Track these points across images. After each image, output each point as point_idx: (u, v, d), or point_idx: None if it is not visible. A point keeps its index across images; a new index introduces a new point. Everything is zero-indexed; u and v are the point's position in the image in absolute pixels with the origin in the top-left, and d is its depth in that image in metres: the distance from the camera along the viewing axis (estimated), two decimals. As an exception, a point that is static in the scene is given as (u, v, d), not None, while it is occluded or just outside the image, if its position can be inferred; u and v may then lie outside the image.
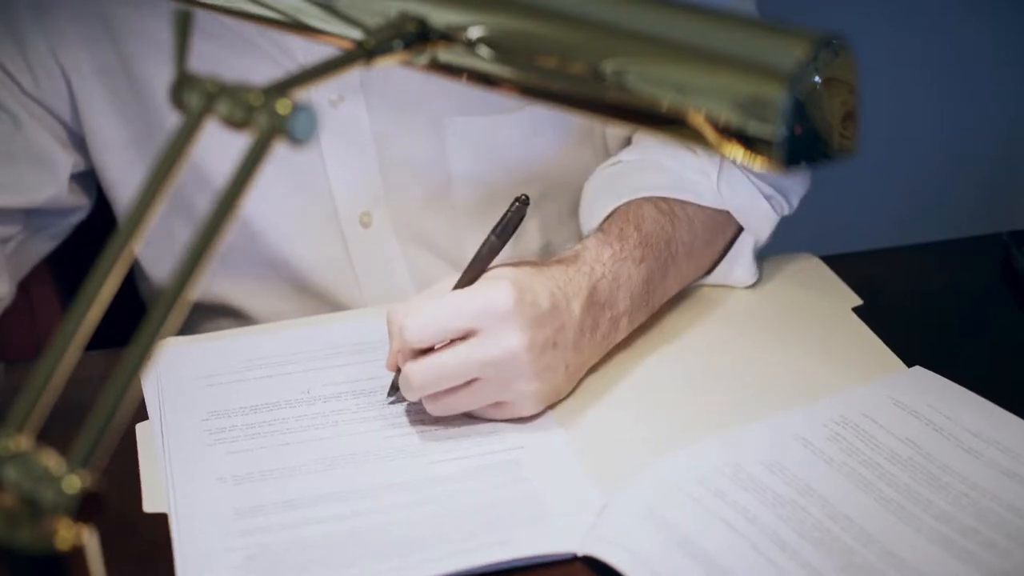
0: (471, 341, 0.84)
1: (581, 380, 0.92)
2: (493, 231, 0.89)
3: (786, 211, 1.04)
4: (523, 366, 0.85)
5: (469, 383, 0.85)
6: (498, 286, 0.86)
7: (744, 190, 1.01)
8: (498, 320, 0.84)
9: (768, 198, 1.01)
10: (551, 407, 0.89)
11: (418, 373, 0.85)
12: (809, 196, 1.07)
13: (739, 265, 1.03)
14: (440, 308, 0.85)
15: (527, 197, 0.89)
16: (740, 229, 1.03)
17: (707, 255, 1.03)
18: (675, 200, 0.99)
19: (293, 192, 1.08)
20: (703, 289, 1.03)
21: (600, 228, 0.97)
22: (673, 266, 0.97)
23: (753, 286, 1.04)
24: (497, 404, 0.87)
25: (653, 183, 1.00)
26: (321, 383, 0.93)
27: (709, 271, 1.04)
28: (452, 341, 0.85)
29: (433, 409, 0.87)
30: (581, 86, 0.55)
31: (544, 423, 0.88)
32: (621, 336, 0.95)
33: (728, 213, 1.01)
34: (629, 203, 0.98)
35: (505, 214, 0.89)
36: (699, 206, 1.00)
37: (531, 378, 0.86)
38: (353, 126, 1.06)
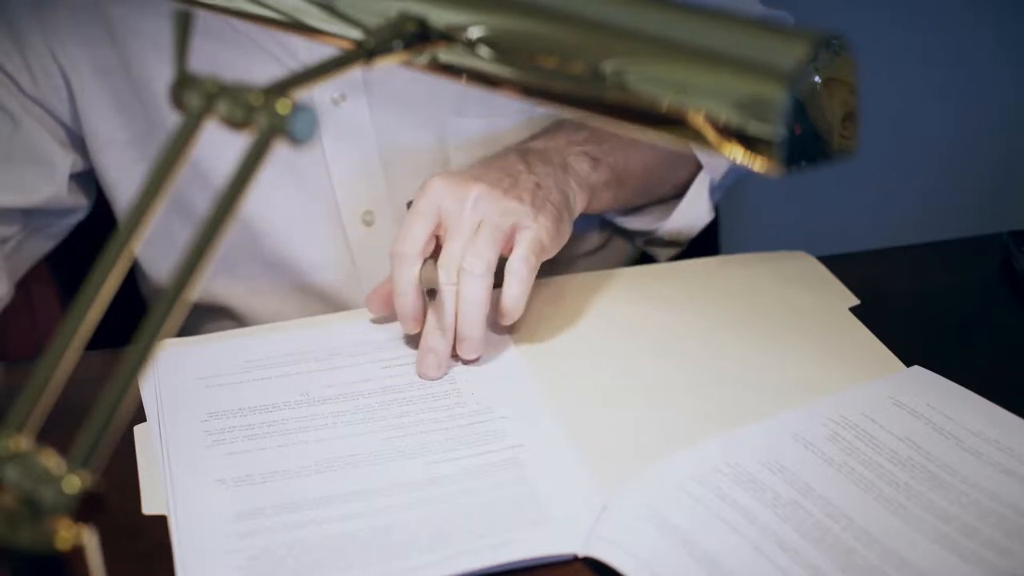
0: (449, 231, 0.90)
1: (579, 384, 0.92)
2: None
3: None
4: (491, 189, 0.90)
5: (479, 232, 0.90)
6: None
7: None
8: (446, 187, 0.90)
9: None
10: (549, 410, 0.89)
11: (474, 258, 0.88)
12: (809, 196, 1.07)
13: (697, 204, 1.09)
14: (404, 223, 0.91)
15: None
16: (698, 168, 1.08)
17: (665, 176, 1.09)
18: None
19: (295, 191, 1.08)
20: (699, 289, 1.03)
21: None
22: (625, 142, 1.02)
23: (750, 286, 1.03)
24: (512, 233, 0.91)
25: None
26: (320, 384, 0.93)
27: (666, 201, 1.10)
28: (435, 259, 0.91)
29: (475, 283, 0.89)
30: (581, 86, 0.55)
31: (543, 422, 0.88)
32: (583, 172, 0.99)
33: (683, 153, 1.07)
34: None
35: None
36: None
37: (506, 191, 0.91)
38: (355, 125, 1.06)
